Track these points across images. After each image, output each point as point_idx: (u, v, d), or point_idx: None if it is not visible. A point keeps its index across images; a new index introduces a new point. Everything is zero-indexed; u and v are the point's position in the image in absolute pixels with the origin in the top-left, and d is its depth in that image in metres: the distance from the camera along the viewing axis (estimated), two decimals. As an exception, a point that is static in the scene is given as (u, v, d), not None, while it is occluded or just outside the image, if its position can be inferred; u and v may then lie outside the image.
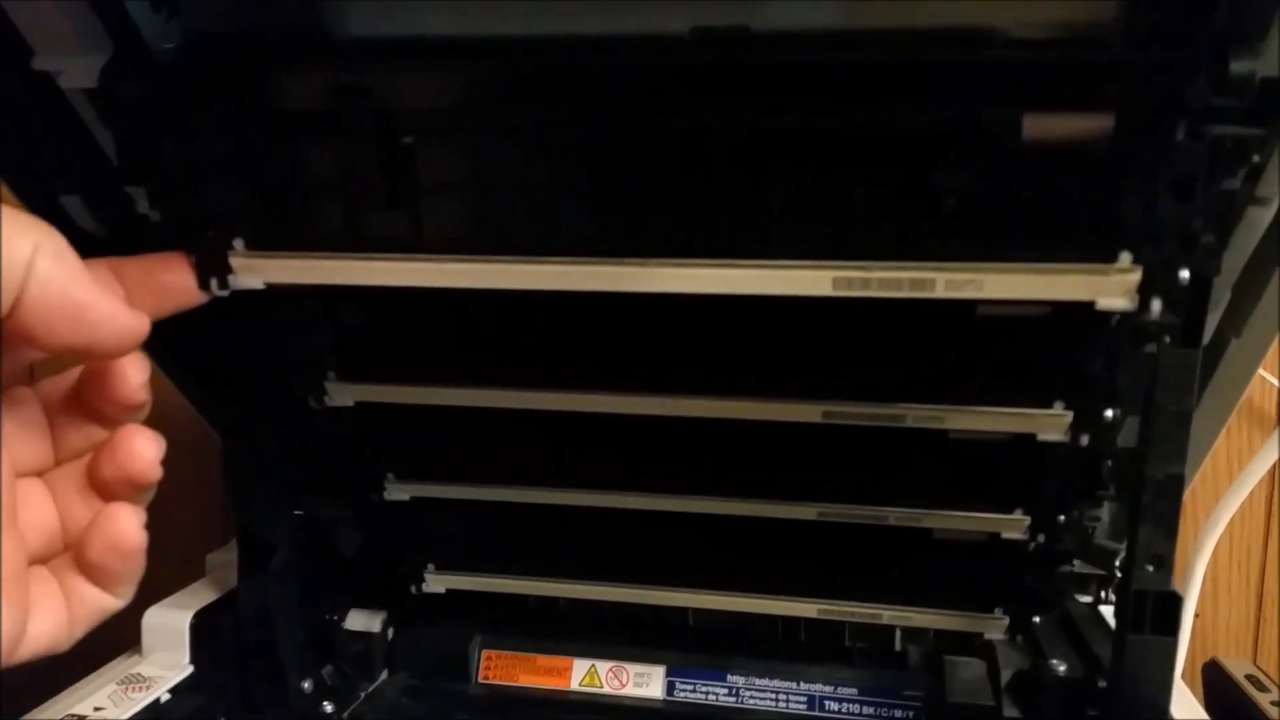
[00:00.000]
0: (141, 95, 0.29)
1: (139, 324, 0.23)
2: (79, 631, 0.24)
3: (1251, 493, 0.62)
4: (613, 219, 0.31)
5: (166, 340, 0.41)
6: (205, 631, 0.41)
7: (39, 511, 0.24)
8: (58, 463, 0.25)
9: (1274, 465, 0.63)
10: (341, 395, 0.36)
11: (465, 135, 0.30)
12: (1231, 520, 0.63)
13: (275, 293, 0.33)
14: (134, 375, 0.24)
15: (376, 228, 0.31)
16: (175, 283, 0.29)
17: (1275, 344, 0.63)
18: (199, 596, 0.42)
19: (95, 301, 0.22)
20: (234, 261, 0.32)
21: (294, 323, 0.35)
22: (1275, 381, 0.64)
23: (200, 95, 0.30)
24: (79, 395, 0.25)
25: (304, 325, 0.35)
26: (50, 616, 0.23)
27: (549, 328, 0.35)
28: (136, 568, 0.24)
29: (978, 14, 0.27)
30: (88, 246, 0.38)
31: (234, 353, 0.35)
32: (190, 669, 0.40)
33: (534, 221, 0.31)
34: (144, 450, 0.24)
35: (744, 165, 0.29)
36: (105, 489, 0.24)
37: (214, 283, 0.32)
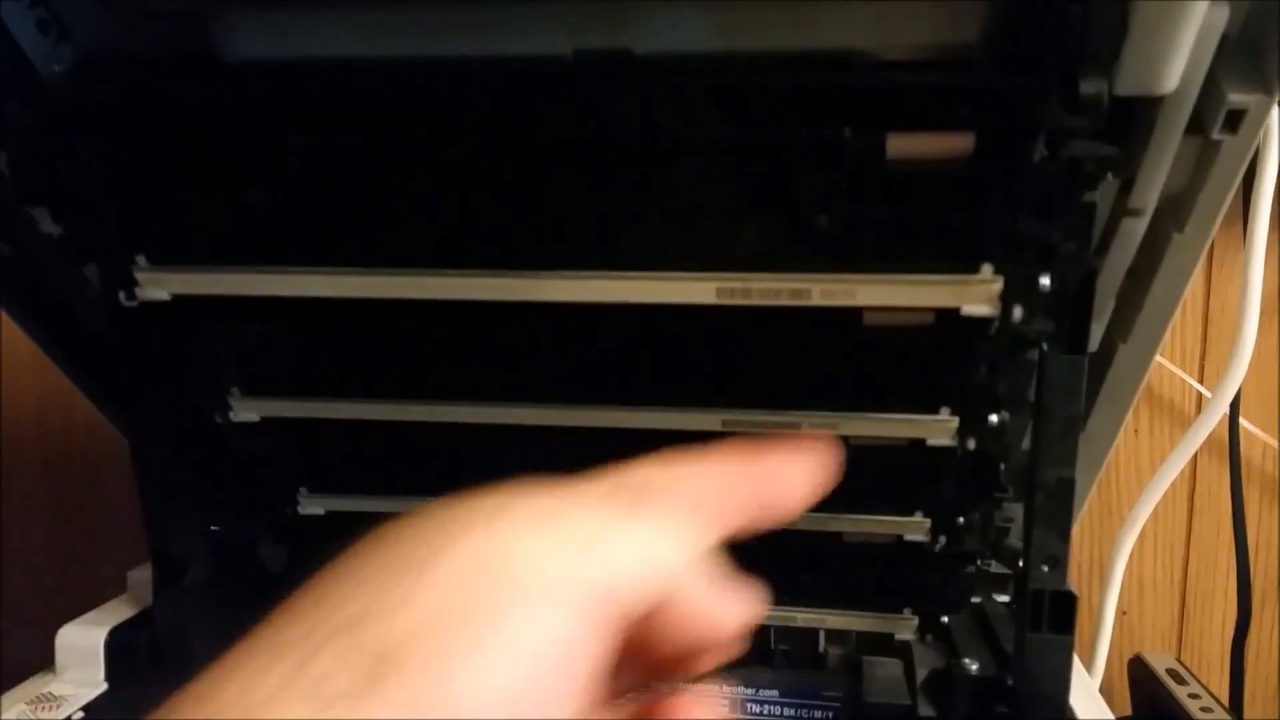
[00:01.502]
0: (31, 118, 0.30)
1: (746, 617, 0.19)
2: None
3: (1173, 491, 0.63)
4: (506, 232, 0.32)
5: (75, 350, 0.41)
6: (121, 649, 0.40)
7: None
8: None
9: (1193, 463, 0.65)
10: (246, 411, 0.37)
11: (352, 154, 0.30)
12: (1155, 519, 0.65)
13: (175, 310, 0.33)
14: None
15: (271, 242, 0.32)
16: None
17: (1197, 345, 0.65)
18: (114, 614, 0.42)
19: (720, 610, 0.18)
20: (139, 275, 0.33)
21: (194, 341, 0.35)
22: (1194, 383, 0.66)
23: (91, 117, 0.30)
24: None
25: (204, 343, 0.36)
26: None
27: (449, 339, 0.36)
28: None
29: (847, 39, 0.28)
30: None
31: (137, 368, 0.35)
32: (105, 687, 0.40)
33: (427, 235, 0.32)
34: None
35: (630, 181, 0.30)
36: None
37: (121, 295, 0.33)
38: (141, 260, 0.32)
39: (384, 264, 0.32)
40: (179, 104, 0.30)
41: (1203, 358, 0.66)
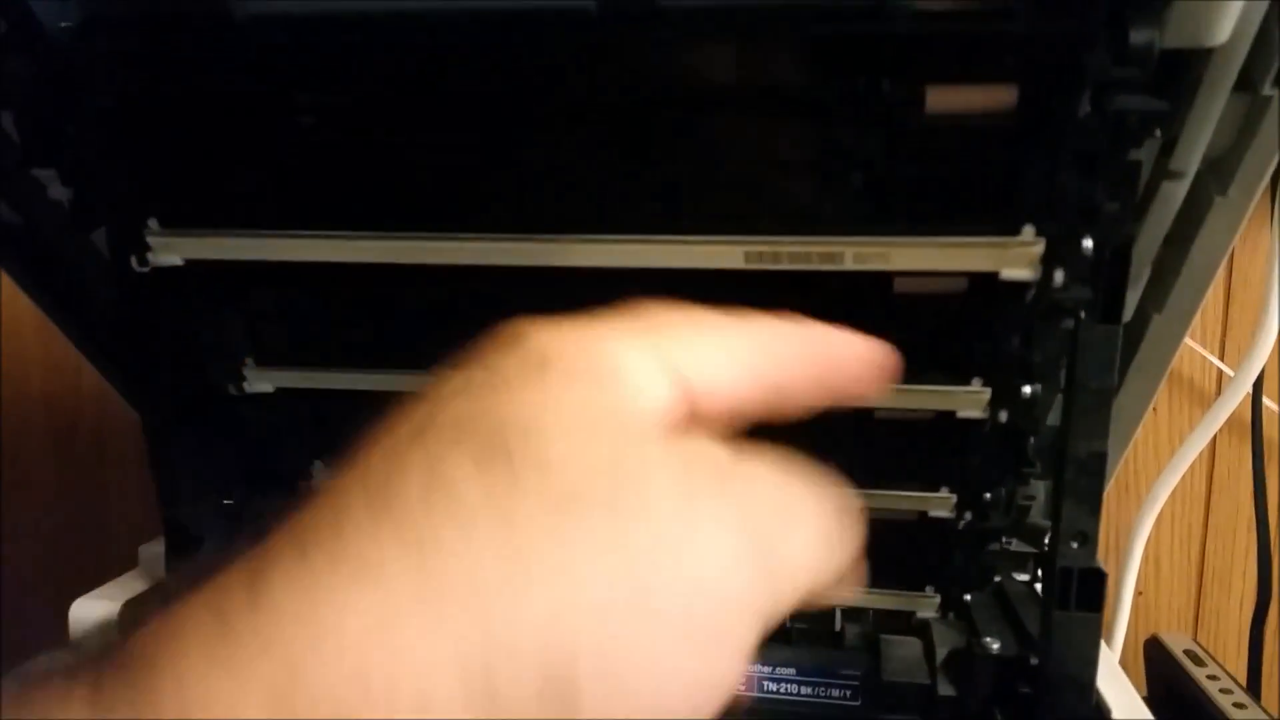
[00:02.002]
0: (37, 75, 0.29)
1: None
2: None
3: (1192, 471, 0.63)
4: (528, 195, 0.31)
5: (85, 322, 0.40)
6: (134, 623, 0.40)
7: None
8: None
9: (1213, 444, 0.65)
10: (260, 382, 0.36)
11: (369, 112, 0.29)
12: (1173, 499, 0.64)
13: (188, 276, 0.32)
14: None
15: (285, 205, 0.31)
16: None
17: (1219, 322, 0.64)
18: (127, 588, 0.42)
19: None
20: (150, 239, 0.32)
21: (207, 309, 0.35)
22: (1216, 361, 0.65)
23: (99, 75, 0.29)
24: None
25: (217, 312, 0.35)
26: None
27: (469, 305, 0.35)
28: None
29: (882, -13, 0.27)
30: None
31: (148, 338, 0.34)
32: (117, 661, 0.39)
33: (446, 198, 0.31)
34: None
35: (657, 141, 0.29)
36: None
37: (133, 260, 0.32)
38: (153, 224, 0.31)
39: (404, 228, 0.31)
40: (188, 61, 0.29)
41: (1224, 335, 0.65)
